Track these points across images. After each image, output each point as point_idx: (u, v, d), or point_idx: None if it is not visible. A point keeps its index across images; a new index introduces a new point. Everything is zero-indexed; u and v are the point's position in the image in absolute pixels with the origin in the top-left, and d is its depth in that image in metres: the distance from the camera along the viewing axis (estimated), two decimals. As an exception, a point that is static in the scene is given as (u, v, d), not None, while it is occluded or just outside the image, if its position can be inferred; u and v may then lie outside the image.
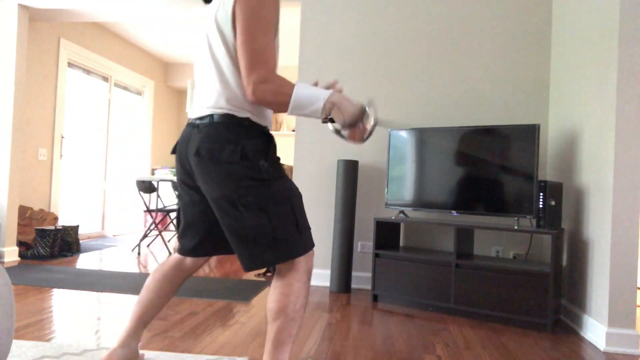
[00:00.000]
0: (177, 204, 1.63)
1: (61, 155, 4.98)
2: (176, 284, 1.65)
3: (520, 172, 2.73)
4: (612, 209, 2.27)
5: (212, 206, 1.43)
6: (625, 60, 2.26)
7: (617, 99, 2.26)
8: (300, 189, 3.52)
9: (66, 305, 2.62)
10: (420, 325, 2.54)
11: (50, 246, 4.14)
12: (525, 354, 2.14)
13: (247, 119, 1.41)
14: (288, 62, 6.71)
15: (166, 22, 5.41)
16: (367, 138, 1.41)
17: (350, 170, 3.26)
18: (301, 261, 1.42)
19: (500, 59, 3.29)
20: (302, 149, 3.53)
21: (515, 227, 2.64)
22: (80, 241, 5.24)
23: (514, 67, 3.27)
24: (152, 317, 1.64)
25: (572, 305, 2.69)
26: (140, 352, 1.89)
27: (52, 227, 4.22)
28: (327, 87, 1.46)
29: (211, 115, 1.41)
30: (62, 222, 5.12)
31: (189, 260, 1.64)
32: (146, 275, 3.57)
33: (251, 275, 3.70)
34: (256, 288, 3.23)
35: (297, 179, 3.53)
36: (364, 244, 3.43)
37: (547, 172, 3.18)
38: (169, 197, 6.80)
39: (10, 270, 3.52)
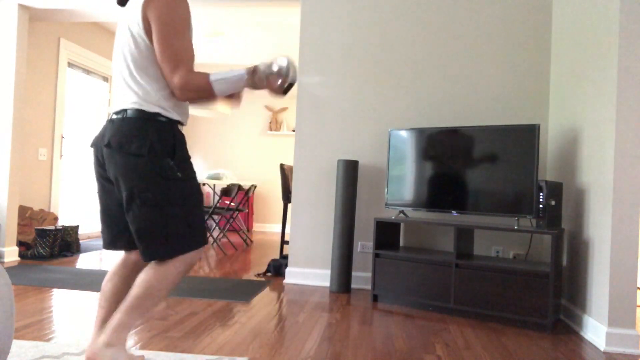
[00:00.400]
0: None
1: (61, 155, 4.97)
2: (132, 280, 1.67)
3: (520, 172, 2.73)
4: (612, 209, 2.27)
5: (119, 197, 1.52)
6: (625, 60, 2.26)
7: (617, 99, 2.26)
8: (300, 189, 3.52)
9: (66, 305, 2.62)
10: (420, 325, 2.54)
11: (50, 246, 4.14)
12: (525, 354, 2.14)
13: (158, 114, 1.49)
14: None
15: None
16: (287, 90, 1.55)
17: (350, 170, 3.26)
18: (187, 254, 1.52)
19: (500, 59, 3.29)
20: (302, 149, 3.53)
21: (515, 227, 2.64)
22: (80, 241, 5.24)
23: (514, 67, 3.27)
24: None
25: (572, 305, 2.69)
26: (140, 352, 1.89)
27: (52, 227, 4.22)
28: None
29: (125, 110, 1.50)
30: (62, 222, 5.11)
31: (133, 256, 1.67)
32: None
33: (251, 276, 3.70)
34: (256, 288, 3.23)
35: (297, 179, 3.53)
36: (364, 244, 3.43)
37: (547, 172, 3.17)
38: (169, 197, 6.79)
39: (10, 270, 3.52)
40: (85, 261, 4.06)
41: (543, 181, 2.60)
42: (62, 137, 4.99)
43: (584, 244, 2.56)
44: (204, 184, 6.10)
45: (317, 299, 3.03)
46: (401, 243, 3.37)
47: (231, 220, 5.72)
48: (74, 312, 2.49)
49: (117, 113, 1.52)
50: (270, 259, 4.22)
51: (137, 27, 1.47)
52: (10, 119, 3.86)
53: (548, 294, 2.47)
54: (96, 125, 5.68)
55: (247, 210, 7.02)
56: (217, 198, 6.23)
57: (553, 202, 2.64)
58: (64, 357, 1.83)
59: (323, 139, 3.51)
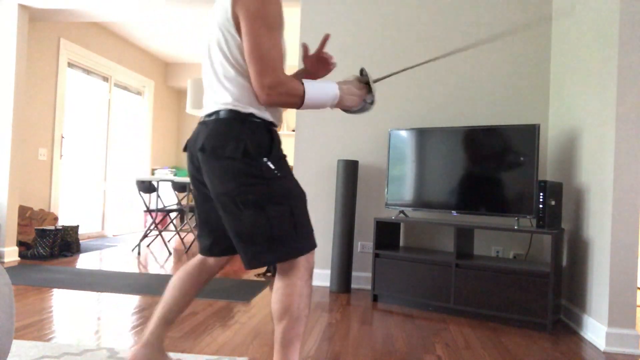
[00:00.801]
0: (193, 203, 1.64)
1: (61, 155, 4.98)
2: (199, 284, 1.64)
3: (520, 172, 2.73)
4: (612, 209, 2.27)
5: (216, 203, 1.43)
6: (625, 60, 2.26)
7: (617, 99, 2.26)
8: (300, 189, 3.52)
9: (66, 305, 2.62)
10: (420, 325, 2.54)
11: (50, 246, 4.14)
12: (525, 354, 2.14)
13: (252, 114, 1.41)
14: (288, 62, 6.71)
15: (166, 22, 5.42)
16: (371, 105, 1.52)
17: (350, 170, 3.26)
18: (301, 260, 1.41)
19: (500, 59, 3.29)
20: (302, 149, 3.53)
21: (515, 227, 2.64)
22: (80, 241, 5.24)
23: (514, 67, 3.27)
24: (176, 317, 1.63)
25: (572, 305, 2.69)
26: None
27: (52, 227, 4.22)
28: (319, 56, 1.60)
29: (217, 112, 1.43)
30: (62, 222, 5.12)
31: (211, 259, 1.62)
32: (146, 275, 3.57)
33: (251, 275, 3.70)
34: (256, 288, 3.23)
35: (297, 179, 3.53)
36: (364, 244, 3.43)
37: (547, 172, 3.18)
38: (168, 197, 6.81)
39: (10, 270, 3.52)
40: (85, 261, 4.06)
41: (543, 181, 2.60)
42: (62, 137, 4.99)
43: (584, 244, 2.56)
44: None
45: (317, 299, 3.03)
46: (401, 243, 3.37)
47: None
48: (74, 312, 2.49)
49: (208, 115, 1.45)
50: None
51: (228, 23, 1.39)
52: (10, 119, 3.86)
53: (548, 294, 2.47)
54: (96, 125, 5.69)
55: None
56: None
57: (553, 202, 2.64)
58: (64, 357, 1.83)
59: (323, 139, 3.51)
